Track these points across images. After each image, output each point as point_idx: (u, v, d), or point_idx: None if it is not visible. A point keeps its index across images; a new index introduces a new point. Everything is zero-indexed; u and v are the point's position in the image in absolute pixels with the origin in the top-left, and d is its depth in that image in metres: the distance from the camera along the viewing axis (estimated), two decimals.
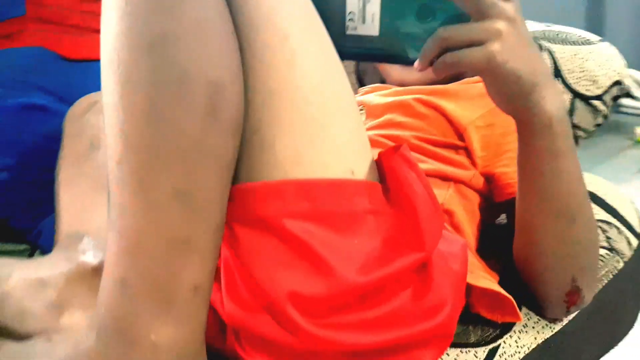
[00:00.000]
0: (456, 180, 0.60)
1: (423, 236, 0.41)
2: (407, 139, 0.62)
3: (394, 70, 0.76)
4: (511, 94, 0.45)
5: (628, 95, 0.81)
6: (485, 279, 0.51)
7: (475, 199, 0.61)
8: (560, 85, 0.49)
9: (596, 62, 0.81)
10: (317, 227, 0.39)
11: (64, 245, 0.50)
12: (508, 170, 0.61)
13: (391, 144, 0.62)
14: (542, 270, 0.54)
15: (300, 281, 0.38)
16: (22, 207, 0.74)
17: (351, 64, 1.00)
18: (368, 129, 0.66)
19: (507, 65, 0.42)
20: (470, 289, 0.53)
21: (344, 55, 0.52)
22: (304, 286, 0.38)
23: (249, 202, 0.39)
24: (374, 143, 0.62)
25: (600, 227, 0.70)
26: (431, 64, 0.43)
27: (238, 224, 0.40)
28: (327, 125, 0.40)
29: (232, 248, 0.41)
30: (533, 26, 0.88)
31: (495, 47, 0.41)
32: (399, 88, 0.71)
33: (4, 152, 0.74)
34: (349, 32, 0.48)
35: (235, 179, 0.40)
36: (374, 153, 0.45)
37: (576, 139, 0.81)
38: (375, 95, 0.71)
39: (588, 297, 0.56)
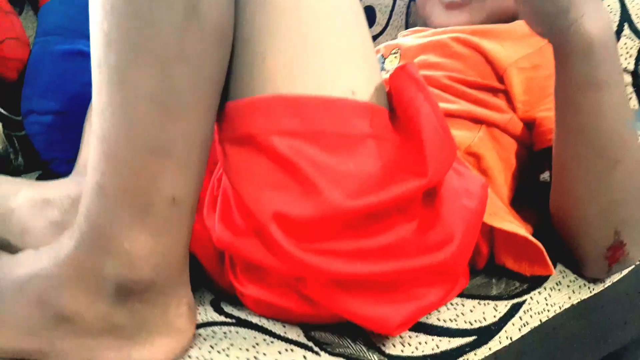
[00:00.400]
0: (489, 124, 0.54)
1: (426, 161, 0.37)
2: (438, 79, 0.57)
3: (435, 13, 0.70)
4: (546, 11, 0.40)
5: None
6: (511, 223, 0.46)
7: (512, 146, 0.55)
8: (604, 8, 0.42)
9: None
10: (307, 145, 0.36)
11: (78, 172, 0.51)
12: (551, 114, 0.54)
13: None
14: (580, 221, 0.48)
15: (285, 201, 0.36)
16: (62, 151, 0.77)
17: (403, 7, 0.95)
18: None
19: None
20: (493, 234, 0.48)
21: None
22: (290, 207, 0.36)
23: (237, 119, 0.37)
24: None
25: None
26: None
27: (228, 143, 0.38)
28: (325, 41, 0.37)
29: (224, 169, 0.39)
30: None
31: None
32: (438, 29, 0.66)
33: (49, 96, 0.77)
34: None
35: (227, 97, 0.38)
36: None
37: None
38: (413, 37, 0.67)
39: (634, 253, 0.49)
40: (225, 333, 0.41)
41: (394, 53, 0.67)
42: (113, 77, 0.33)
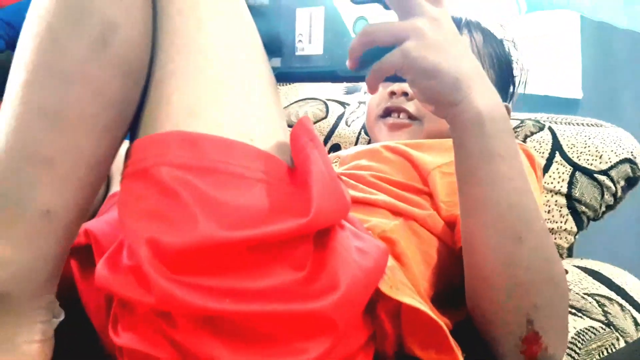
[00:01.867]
0: (407, 217, 0.55)
1: (310, 203, 0.37)
2: (364, 177, 0.60)
3: (381, 135, 0.76)
4: (434, 90, 0.44)
5: None
6: (413, 299, 0.44)
7: (432, 241, 0.56)
8: (493, 87, 0.46)
9: (603, 140, 0.76)
10: (196, 179, 0.37)
11: None
12: None
13: (345, 179, 0.61)
14: (490, 306, 0.47)
15: (160, 229, 0.35)
16: None
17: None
18: None
19: (424, 61, 0.42)
20: (400, 319, 0.46)
21: (295, 76, 0.55)
22: (164, 234, 0.35)
23: (135, 155, 0.39)
24: None
25: (597, 301, 0.60)
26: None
27: (125, 179, 0.39)
28: (228, 89, 0.40)
29: (118, 206, 0.40)
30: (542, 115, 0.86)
31: (411, 43, 0.42)
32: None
33: None
34: (298, 52, 0.51)
35: (135, 137, 0.41)
36: None
37: (582, 215, 0.74)
38: (352, 149, 0.71)
39: (555, 351, 0.46)
40: None
41: (335, 162, 0.71)
42: (17, 91, 0.36)
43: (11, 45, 1.00)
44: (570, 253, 0.76)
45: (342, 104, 1.19)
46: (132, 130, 0.41)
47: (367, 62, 0.45)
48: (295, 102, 1.24)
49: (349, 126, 1.10)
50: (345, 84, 1.26)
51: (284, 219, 0.37)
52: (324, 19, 0.49)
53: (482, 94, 0.44)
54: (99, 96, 0.37)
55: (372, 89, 0.46)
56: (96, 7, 0.37)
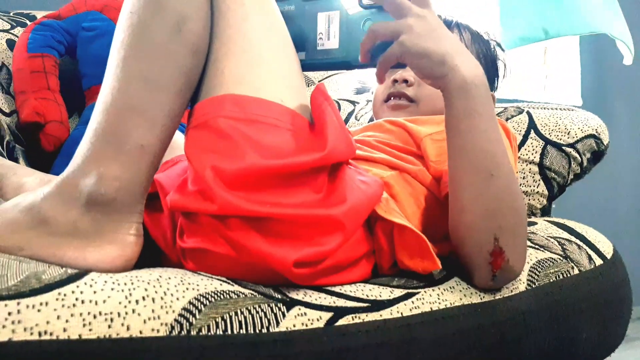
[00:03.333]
0: (401, 170, 0.70)
1: (326, 142, 0.52)
2: (369, 141, 0.75)
3: (384, 114, 0.91)
4: (427, 67, 0.58)
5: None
6: (400, 218, 0.59)
7: (422, 190, 0.69)
8: (477, 62, 0.60)
9: (572, 120, 0.90)
10: (243, 126, 0.52)
11: None
12: None
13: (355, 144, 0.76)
14: (465, 228, 0.60)
15: (220, 159, 0.51)
16: None
17: None
18: None
19: (416, 47, 0.57)
20: (393, 234, 0.60)
21: (317, 66, 0.70)
22: (222, 163, 0.50)
23: (197, 112, 0.54)
24: None
25: (558, 241, 0.73)
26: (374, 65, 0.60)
27: (190, 130, 0.54)
28: (265, 64, 0.55)
29: (185, 151, 0.55)
30: (523, 104, 1.00)
31: (404, 36, 0.57)
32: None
33: None
34: (319, 47, 0.66)
35: (196, 102, 0.56)
36: None
37: (552, 180, 0.87)
38: (360, 126, 0.86)
39: (515, 264, 0.60)
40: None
41: None
42: (119, 63, 0.51)
43: (69, 50, 1.17)
44: (545, 215, 0.90)
45: (353, 102, 1.35)
46: (193, 100, 0.56)
47: (375, 55, 0.60)
48: None
49: (358, 120, 1.25)
50: (355, 87, 1.41)
51: (307, 153, 0.52)
52: (339, 20, 0.65)
53: (466, 64, 0.58)
54: (176, 67, 0.52)
55: (381, 78, 0.62)
56: (171, 4, 0.52)
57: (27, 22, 1.24)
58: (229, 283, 0.51)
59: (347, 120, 1.30)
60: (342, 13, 0.64)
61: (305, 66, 0.68)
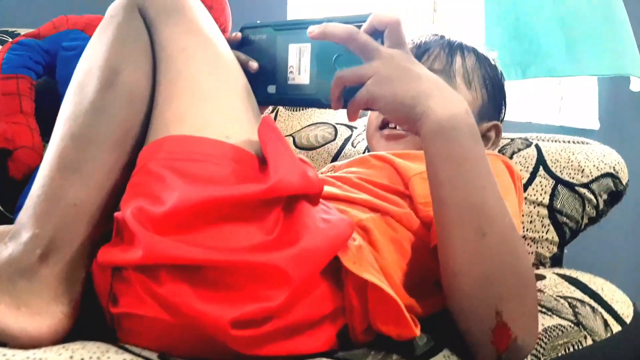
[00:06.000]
0: (384, 213, 0.61)
1: (268, 173, 0.45)
2: (350, 178, 0.66)
3: (379, 145, 0.81)
4: (399, 112, 0.52)
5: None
6: (372, 273, 0.49)
7: (407, 236, 0.60)
8: (459, 95, 0.53)
9: (587, 155, 0.80)
10: (179, 165, 0.46)
11: None
12: None
13: (333, 181, 0.67)
14: (461, 299, 0.51)
15: (148, 202, 0.44)
16: None
17: None
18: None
19: (384, 91, 0.51)
20: (367, 293, 0.51)
21: (286, 101, 0.63)
22: (150, 205, 0.44)
23: (139, 159, 0.49)
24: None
25: (569, 303, 0.63)
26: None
27: (131, 180, 0.49)
28: (208, 102, 0.50)
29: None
30: (531, 135, 0.91)
31: (370, 81, 0.52)
32: None
33: None
34: (289, 82, 0.59)
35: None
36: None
37: (563, 225, 0.77)
38: (347, 160, 0.77)
39: (523, 343, 0.49)
40: None
41: (330, 171, 0.77)
42: (56, 124, 0.50)
43: (48, 71, 1.11)
44: (556, 264, 0.79)
45: (350, 127, 1.26)
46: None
47: (347, 99, 0.54)
48: (307, 126, 1.32)
49: (354, 147, 1.16)
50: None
51: (248, 185, 0.45)
52: (310, 53, 0.57)
53: (442, 105, 0.50)
54: (107, 119, 0.49)
55: (353, 119, 0.56)
56: (105, 60, 0.51)
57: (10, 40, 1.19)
58: None
59: (343, 147, 1.21)
60: (313, 46, 0.57)
61: (274, 101, 0.62)
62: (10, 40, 1.18)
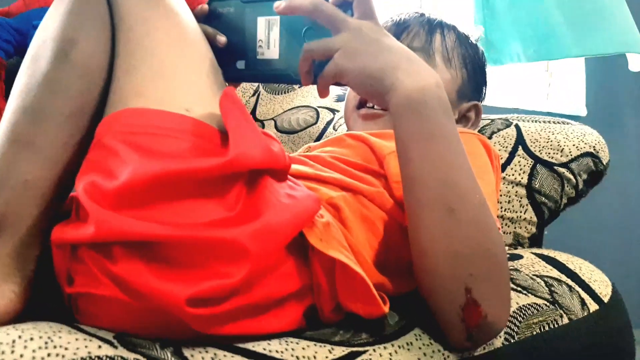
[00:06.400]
0: (355, 192, 0.59)
1: (229, 146, 0.43)
2: (324, 157, 0.64)
3: (356, 125, 0.79)
4: (366, 85, 0.50)
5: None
6: (341, 253, 0.47)
7: (380, 214, 0.58)
8: (429, 68, 0.51)
9: (566, 135, 0.79)
10: (135, 138, 0.43)
11: None
12: None
13: (305, 159, 0.65)
14: (430, 276, 0.49)
15: (101, 177, 0.42)
16: None
17: None
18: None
19: (352, 64, 0.50)
20: (334, 272, 0.49)
21: (256, 77, 0.60)
22: (104, 180, 0.41)
23: (97, 133, 0.46)
24: (294, 161, 0.65)
25: (546, 282, 0.62)
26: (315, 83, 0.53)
27: (87, 155, 0.46)
28: (169, 75, 0.47)
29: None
30: (513, 115, 0.89)
31: (338, 54, 0.50)
32: None
33: None
34: (258, 56, 0.57)
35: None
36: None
37: (542, 205, 0.76)
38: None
39: (495, 319, 0.48)
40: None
41: (306, 152, 0.75)
42: (9, 99, 0.47)
43: (19, 51, 1.07)
44: (535, 244, 0.78)
45: (332, 110, 1.24)
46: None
47: (316, 74, 0.52)
48: (289, 109, 1.29)
49: (335, 130, 1.15)
50: (336, 93, 1.31)
51: (207, 158, 0.43)
52: (279, 26, 0.55)
53: (411, 77, 0.49)
54: (61, 93, 0.46)
55: (323, 95, 0.54)
56: (61, 31, 0.48)
57: None
58: (111, 344, 0.40)
59: (324, 130, 1.19)
60: (282, 19, 0.55)
61: (244, 77, 0.60)
62: None
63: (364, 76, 0.49)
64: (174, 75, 0.47)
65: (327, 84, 0.52)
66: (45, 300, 0.50)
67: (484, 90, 0.84)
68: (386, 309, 0.47)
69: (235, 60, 0.58)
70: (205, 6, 0.60)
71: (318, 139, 1.18)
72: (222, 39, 0.58)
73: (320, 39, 0.52)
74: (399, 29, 0.78)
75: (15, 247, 0.45)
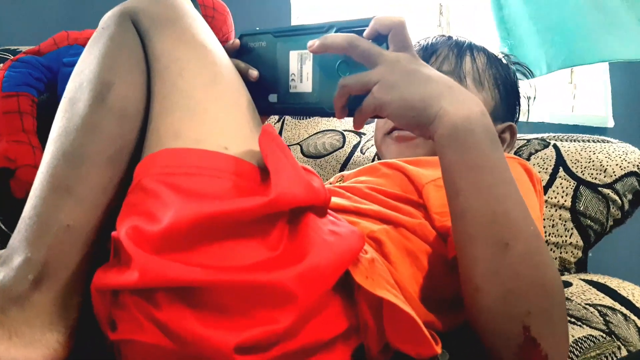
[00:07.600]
0: (397, 224, 0.57)
1: (270, 185, 0.42)
2: (360, 189, 0.62)
3: (389, 150, 0.78)
4: (409, 117, 0.49)
5: None
6: (388, 292, 0.45)
7: (422, 248, 0.56)
8: (472, 95, 0.49)
9: (608, 154, 0.76)
10: (175, 179, 0.43)
11: None
12: None
13: (342, 192, 0.63)
14: (482, 312, 0.47)
15: (143, 221, 0.41)
16: None
17: None
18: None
19: (391, 97, 0.48)
20: (382, 312, 0.47)
21: (289, 111, 0.60)
22: (146, 224, 0.41)
23: (135, 176, 0.45)
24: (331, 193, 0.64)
25: (599, 311, 0.59)
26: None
27: (126, 199, 0.45)
28: (204, 114, 0.47)
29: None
30: (549, 135, 0.87)
31: (376, 88, 0.49)
32: None
33: None
34: (291, 90, 0.57)
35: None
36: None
37: (588, 228, 0.73)
38: (356, 169, 0.74)
39: (554, 358, 0.45)
40: None
41: (339, 181, 0.74)
42: (48, 144, 0.48)
43: (50, 88, 1.09)
44: (581, 268, 0.75)
45: (359, 134, 1.23)
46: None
47: (352, 108, 0.52)
48: (314, 134, 1.29)
49: (363, 153, 1.13)
50: None
51: (249, 198, 0.42)
52: (311, 60, 0.54)
53: (455, 106, 0.47)
54: (99, 136, 0.46)
55: (359, 127, 0.54)
56: (97, 74, 0.48)
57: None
58: None
59: (352, 154, 1.18)
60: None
61: (276, 110, 0.59)
62: (11, 58, 1.17)
63: (405, 108, 0.48)
64: (210, 114, 0.47)
65: (366, 117, 0.51)
66: (87, 344, 0.49)
67: (517, 110, 0.82)
68: (438, 349, 0.45)
69: (267, 93, 0.58)
70: (237, 41, 0.60)
71: (345, 163, 1.17)
72: (254, 73, 0.57)
73: (354, 72, 0.51)
74: (427, 54, 0.77)
75: (59, 294, 0.44)
